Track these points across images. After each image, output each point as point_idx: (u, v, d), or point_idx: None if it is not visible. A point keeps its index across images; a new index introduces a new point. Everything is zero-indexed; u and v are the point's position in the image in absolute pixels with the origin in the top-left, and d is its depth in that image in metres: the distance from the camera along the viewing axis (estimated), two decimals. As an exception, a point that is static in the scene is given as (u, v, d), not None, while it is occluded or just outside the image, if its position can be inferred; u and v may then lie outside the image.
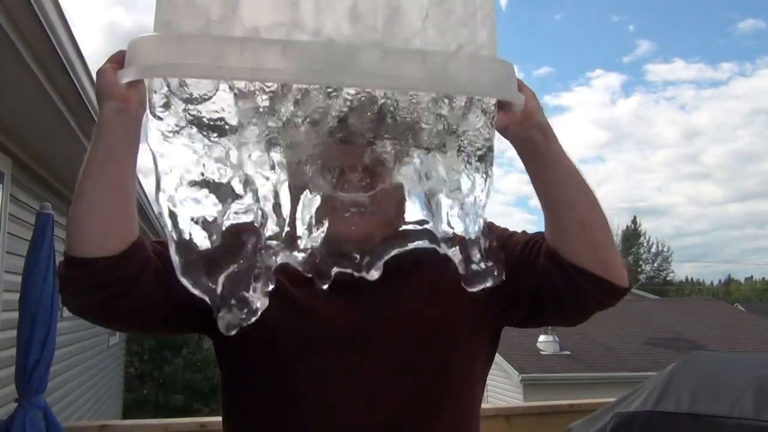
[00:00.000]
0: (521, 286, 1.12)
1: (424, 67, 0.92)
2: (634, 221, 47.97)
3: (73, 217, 1.03)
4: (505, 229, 1.22)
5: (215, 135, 0.96)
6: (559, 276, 1.08)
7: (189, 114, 0.95)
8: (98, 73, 0.99)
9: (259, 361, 1.13)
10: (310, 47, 0.90)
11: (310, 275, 1.04)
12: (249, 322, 0.97)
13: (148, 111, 0.96)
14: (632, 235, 46.71)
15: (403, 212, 1.11)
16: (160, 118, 0.95)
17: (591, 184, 1.12)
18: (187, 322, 1.16)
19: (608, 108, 73.70)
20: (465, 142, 1.02)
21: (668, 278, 48.83)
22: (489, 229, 1.10)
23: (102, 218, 1.00)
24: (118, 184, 1.00)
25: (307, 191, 1.04)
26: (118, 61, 0.97)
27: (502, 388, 14.17)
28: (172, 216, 0.96)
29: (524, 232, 1.21)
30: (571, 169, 1.09)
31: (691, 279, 62.18)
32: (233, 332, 0.97)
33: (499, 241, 1.11)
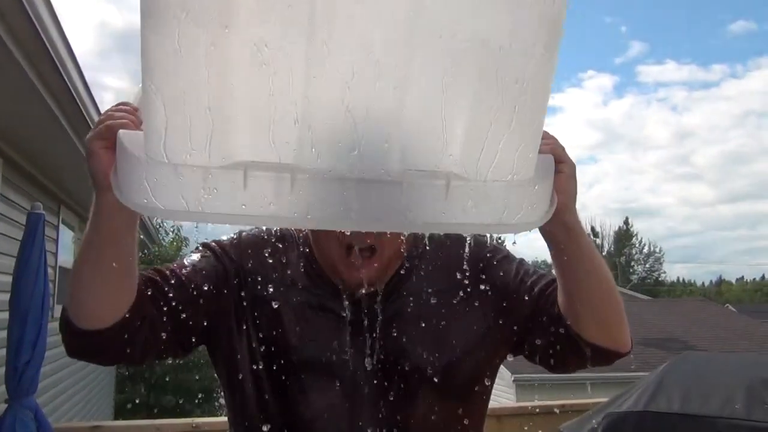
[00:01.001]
0: (527, 337, 1.16)
1: (447, 202, 0.79)
2: (626, 222, 48.18)
3: (72, 296, 1.03)
4: (518, 270, 1.21)
5: None
6: (566, 341, 1.11)
7: None
8: (90, 156, 0.90)
9: (270, 382, 1.13)
10: (318, 184, 0.78)
11: (329, 306, 1.12)
12: None
13: None
14: (624, 236, 46.88)
15: (408, 243, 1.15)
16: None
17: (610, 276, 1.10)
18: (189, 348, 1.17)
19: (600, 109, 74.00)
20: None
21: (660, 279, 49.02)
22: (501, 263, 1.19)
23: (101, 299, 1.01)
24: (119, 264, 0.97)
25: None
26: (107, 137, 0.87)
27: (494, 388, 14.18)
28: None
29: (535, 271, 1.21)
30: (592, 264, 1.06)
31: (683, 280, 62.46)
32: None
33: (510, 287, 1.17)
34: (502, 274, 1.19)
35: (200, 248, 1.19)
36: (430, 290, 1.14)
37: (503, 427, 3.86)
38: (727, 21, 78.47)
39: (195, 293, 1.09)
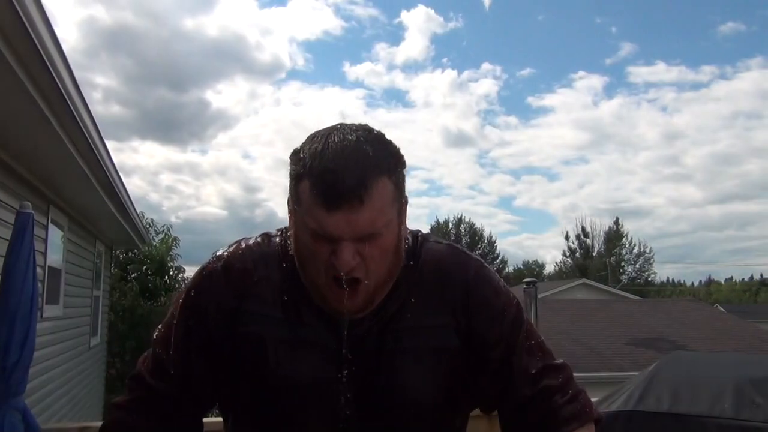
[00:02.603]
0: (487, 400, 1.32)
1: None
2: (616, 222, 48.35)
3: None
4: (528, 355, 1.25)
5: None
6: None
7: None
8: None
9: (262, 414, 1.15)
10: None
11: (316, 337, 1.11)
12: None
13: None
14: (614, 236, 47.06)
15: (399, 264, 1.11)
16: None
17: None
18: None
19: (590, 109, 73.93)
20: None
21: (650, 279, 49.27)
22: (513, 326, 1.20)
23: None
24: None
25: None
26: None
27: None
28: None
29: (543, 368, 1.28)
30: None
31: (673, 280, 62.82)
32: None
33: (514, 372, 1.21)
34: (506, 347, 1.19)
35: (183, 309, 1.17)
36: (417, 324, 1.13)
37: (494, 426, 3.86)
38: (717, 22, 78.85)
39: (194, 381, 1.16)
